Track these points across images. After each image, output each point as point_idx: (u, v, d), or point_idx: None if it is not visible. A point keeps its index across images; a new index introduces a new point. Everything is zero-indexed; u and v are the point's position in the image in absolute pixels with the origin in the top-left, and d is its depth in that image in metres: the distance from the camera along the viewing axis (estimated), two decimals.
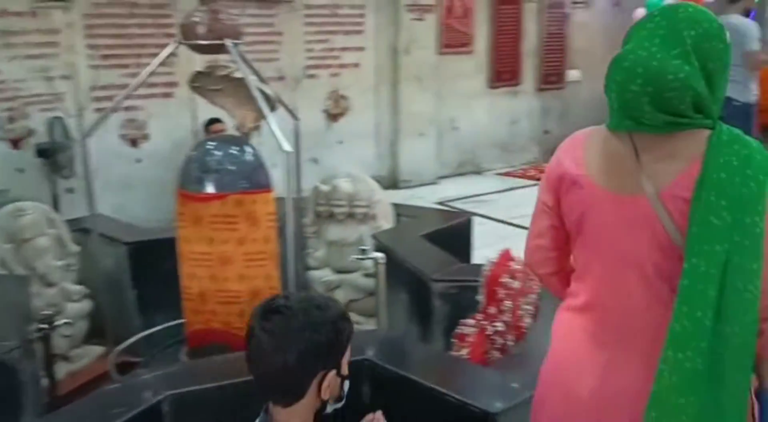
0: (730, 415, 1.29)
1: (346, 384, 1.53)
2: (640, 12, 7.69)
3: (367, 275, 3.69)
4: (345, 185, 3.91)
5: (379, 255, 3.04)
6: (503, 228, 5.73)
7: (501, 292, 2.33)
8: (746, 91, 5.57)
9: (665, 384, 1.28)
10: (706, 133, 1.33)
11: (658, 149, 1.35)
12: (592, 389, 1.43)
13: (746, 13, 5.70)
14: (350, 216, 3.92)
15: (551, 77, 8.10)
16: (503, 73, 7.63)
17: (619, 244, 1.39)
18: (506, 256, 2.36)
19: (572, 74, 8.31)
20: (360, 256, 3.21)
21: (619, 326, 1.41)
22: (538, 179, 7.02)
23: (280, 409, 1.46)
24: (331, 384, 1.46)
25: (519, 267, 2.37)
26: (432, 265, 3.01)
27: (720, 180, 1.27)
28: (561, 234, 1.53)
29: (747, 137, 1.33)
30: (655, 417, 1.29)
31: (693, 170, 1.30)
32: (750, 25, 5.53)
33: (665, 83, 1.29)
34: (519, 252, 1.94)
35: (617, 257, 1.40)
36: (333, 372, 1.46)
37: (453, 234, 3.63)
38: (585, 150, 1.47)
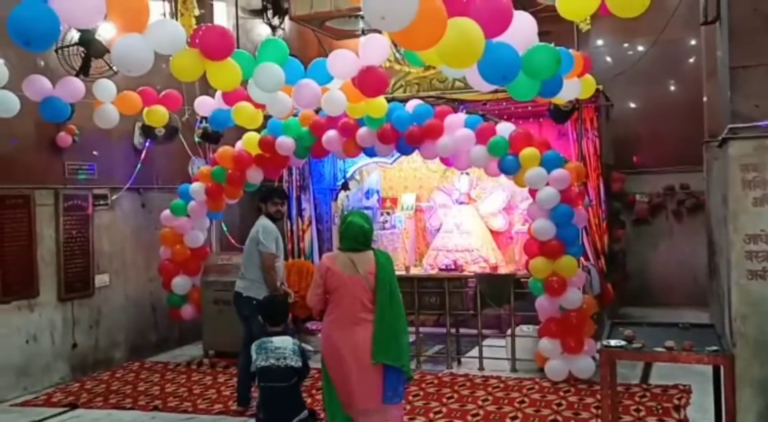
0: (403, 343, 4.24)
1: None
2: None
3: None
4: None
5: None
6: None
7: None
8: (262, 289, 5.77)
9: (377, 334, 4.12)
10: (371, 251, 4.27)
11: (359, 256, 4.20)
12: (350, 346, 4.10)
13: (272, 218, 6.06)
14: None
15: (76, 284, 7.26)
16: (14, 284, 6.53)
17: (352, 293, 4.15)
18: None
19: (101, 279, 7.62)
20: None
21: (353, 320, 4.13)
22: (68, 405, 5.92)
23: None
24: None
25: None
26: None
27: (384, 266, 4.23)
28: (324, 294, 4.24)
29: (381, 250, 4.46)
30: (376, 346, 4.10)
31: (373, 264, 4.20)
32: (270, 228, 5.87)
33: (366, 232, 4.26)
34: None
35: (350, 297, 4.16)
36: None
37: None
38: (335, 259, 4.25)
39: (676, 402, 5.69)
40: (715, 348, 3.55)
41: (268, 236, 5.77)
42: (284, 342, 4.18)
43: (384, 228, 9.61)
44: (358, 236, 4.21)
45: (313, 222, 9.46)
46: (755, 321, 3.25)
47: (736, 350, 3.33)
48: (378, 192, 9.88)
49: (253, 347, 4.19)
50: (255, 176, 7.50)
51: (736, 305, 3.33)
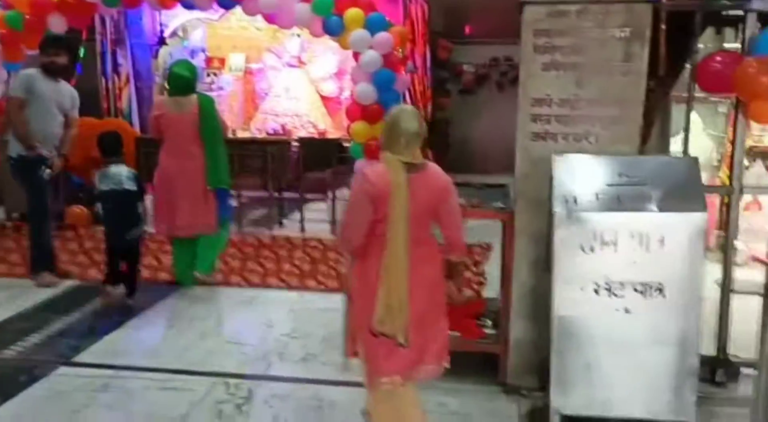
0: (227, 170, 5.22)
1: None
2: None
3: None
4: None
5: None
6: None
7: None
8: (15, 144, 5.28)
9: (210, 164, 5.05)
10: (195, 95, 5.05)
11: (185, 99, 4.98)
12: (181, 174, 5.01)
13: (48, 71, 5.25)
14: None
15: None
16: None
17: (179, 129, 4.96)
18: None
19: None
20: None
21: (183, 152, 4.99)
22: None
23: None
24: None
25: None
26: None
27: (206, 107, 5.04)
28: (159, 129, 5.05)
29: (203, 93, 5.53)
30: (211, 174, 5.06)
31: (196, 105, 4.98)
32: (23, 74, 5.29)
33: (187, 81, 5.02)
34: None
35: (178, 133, 4.97)
36: None
37: None
38: (164, 103, 5.22)
39: (476, 258, 6.16)
40: (501, 205, 3.80)
41: (17, 80, 5.23)
42: (119, 170, 4.76)
43: (210, 90, 9.20)
44: (179, 85, 4.98)
45: (132, 80, 8.85)
46: (534, 179, 3.46)
47: (517, 207, 3.56)
48: (204, 50, 9.38)
49: (97, 175, 4.81)
50: (57, 23, 6.77)
51: (519, 165, 3.54)
